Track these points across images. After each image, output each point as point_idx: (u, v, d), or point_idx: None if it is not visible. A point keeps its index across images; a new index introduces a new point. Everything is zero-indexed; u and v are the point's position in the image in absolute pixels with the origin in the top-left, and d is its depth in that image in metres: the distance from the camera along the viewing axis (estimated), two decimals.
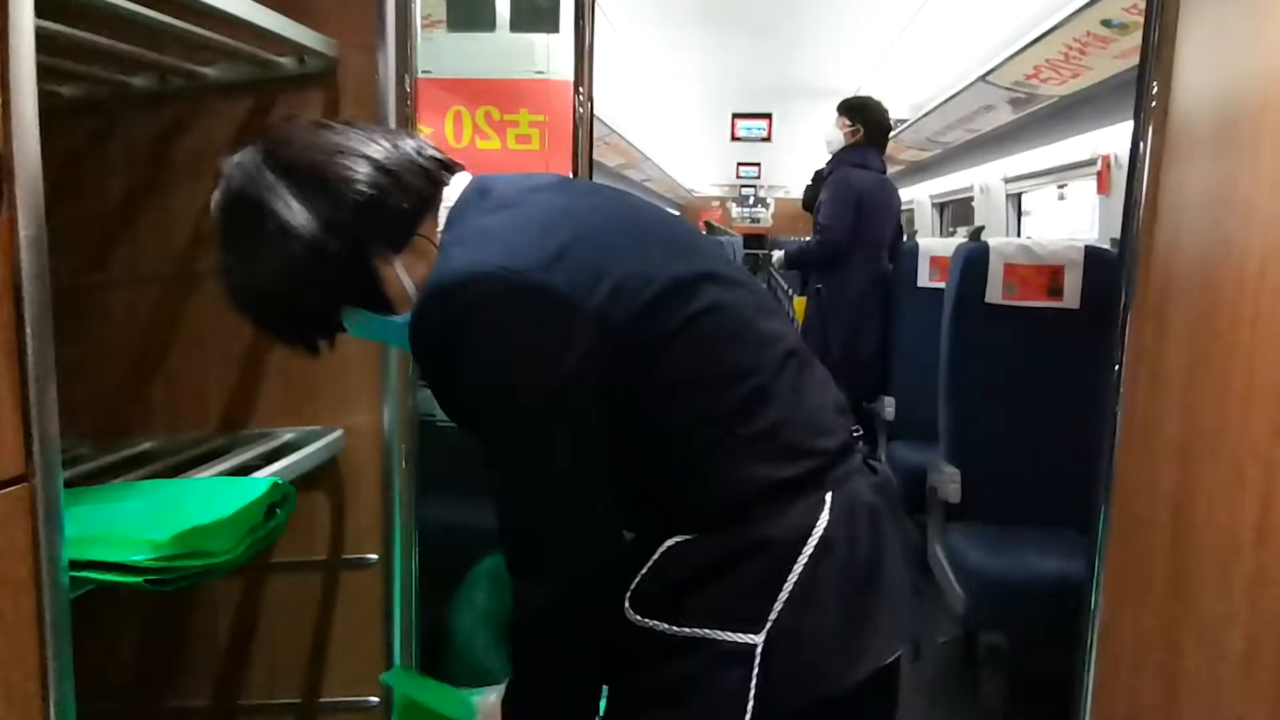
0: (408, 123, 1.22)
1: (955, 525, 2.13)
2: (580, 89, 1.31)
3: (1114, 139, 3.26)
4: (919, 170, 6.09)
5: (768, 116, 6.99)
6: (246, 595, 1.36)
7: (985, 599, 1.92)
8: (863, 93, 5.17)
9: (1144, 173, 1.24)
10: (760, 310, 0.88)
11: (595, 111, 1.43)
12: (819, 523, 0.81)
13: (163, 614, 1.37)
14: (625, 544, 0.86)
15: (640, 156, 6.99)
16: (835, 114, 3.27)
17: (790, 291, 7.04)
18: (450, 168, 0.89)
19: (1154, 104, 1.23)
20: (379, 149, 0.83)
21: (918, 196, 6.78)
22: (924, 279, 3.02)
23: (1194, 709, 1.08)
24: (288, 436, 1.28)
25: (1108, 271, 2.18)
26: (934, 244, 3.08)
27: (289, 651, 1.37)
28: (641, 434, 0.82)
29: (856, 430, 0.92)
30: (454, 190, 0.86)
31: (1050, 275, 2.16)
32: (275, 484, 0.84)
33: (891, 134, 5.26)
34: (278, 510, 0.83)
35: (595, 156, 5.86)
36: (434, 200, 0.85)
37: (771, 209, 17.38)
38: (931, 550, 2.22)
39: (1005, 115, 3.56)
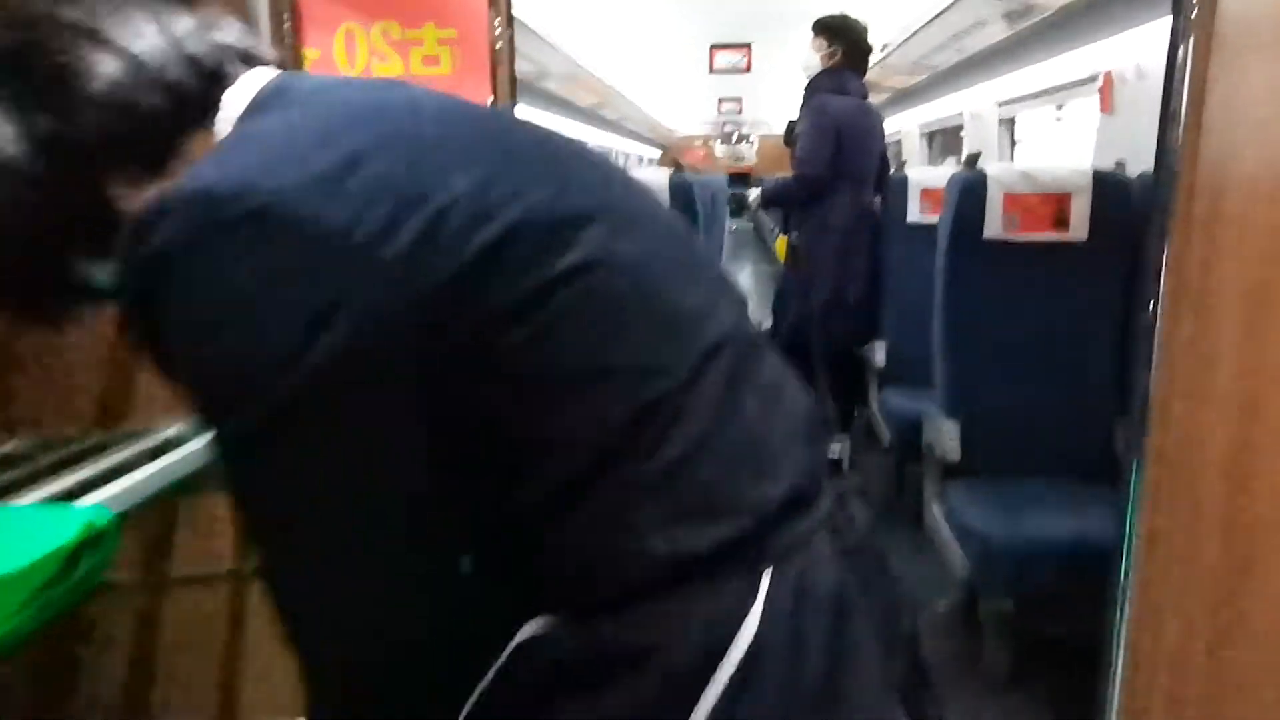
0: (285, 46, 1.00)
1: (954, 482, 1.96)
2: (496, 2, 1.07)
3: (1117, 53, 3.02)
4: (907, 97, 5.81)
5: (746, 47, 6.67)
6: (146, 616, 1.18)
7: (989, 561, 1.76)
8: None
9: (1184, 81, 1.03)
10: (681, 274, 0.59)
11: (524, 23, 1.20)
12: (747, 621, 0.51)
13: (54, 647, 1.19)
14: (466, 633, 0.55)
15: (613, 93, 6.67)
16: (810, 35, 3.01)
17: (775, 230, 6.80)
18: (249, 59, 0.60)
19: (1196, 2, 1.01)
20: (132, 32, 0.55)
21: (905, 126, 6.51)
22: (914, 214, 2.80)
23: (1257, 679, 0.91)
24: (170, 432, 1.08)
25: (1119, 198, 1.98)
26: (924, 175, 2.86)
27: (200, 674, 1.21)
28: (482, 455, 0.53)
29: (833, 453, 0.62)
30: (243, 91, 0.58)
31: (1056, 205, 1.96)
32: (89, 524, 0.65)
33: (877, 58, 5.00)
34: (83, 557, 0.63)
35: (564, 94, 5.51)
36: (210, 104, 0.57)
37: (756, 146, 16.97)
38: (928, 510, 2.06)
39: (999, 31, 3.30)
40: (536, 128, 0.63)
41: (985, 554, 1.76)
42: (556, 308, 0.52)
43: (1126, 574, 1.17)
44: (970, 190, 1.98)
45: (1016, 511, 1.81)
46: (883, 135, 3.11)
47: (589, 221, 0.54)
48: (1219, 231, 0.98)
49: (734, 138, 16.70)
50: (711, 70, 6.77)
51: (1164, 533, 1.12)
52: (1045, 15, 2.99)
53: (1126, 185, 1.99)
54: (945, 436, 1.95)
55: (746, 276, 8.60)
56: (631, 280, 0.55)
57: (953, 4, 3.12)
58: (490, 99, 1.11)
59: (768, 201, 3.14)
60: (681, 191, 2.84)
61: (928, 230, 2.73)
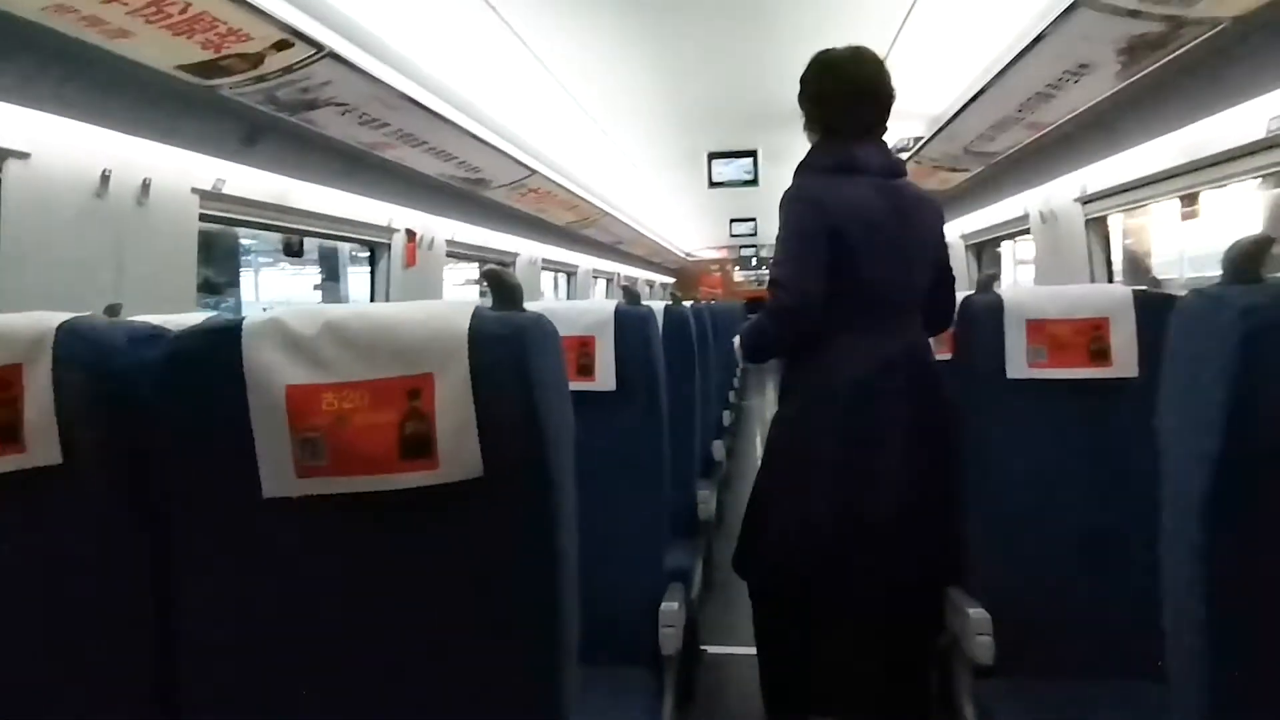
0: None
1: None
2: None
3: None
4: (946, 203, 4.73)
5: (752, 154, 5.70)
6: None
7: None
8: None
9: None
10: None
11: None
12: None
13: None
14: None
15: (599, 213, 5.70)
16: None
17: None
18: None
19: None
20: None
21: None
22: (1018, 365, 1.58)
23: None
24: None
25: None
26: (1038, 298, 1.65)
27: None
28: None
29: None
30: None
31: None
32: None
33: (915, 149, 3.94)
34: None
35: (527, 209, 4.37)
36: None
37: None
38: None
39: (1104, 84, 2.20)
40: None
41: None
42: None
43: None
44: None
45: None
46: (937, 234, 1.85)
47: None
48: None
49: (753, 260, 15.89)
50: (711, 183, 5.77)
51: None
52: (1191, 45, 1.87)
53: None
54: None
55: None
56: None
57: (1043, 34, 2.01)
58: None
59: (748, 353, 1.89)
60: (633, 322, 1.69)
61: (1044, 391, 1.54)
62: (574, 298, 7.47)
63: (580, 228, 5.87)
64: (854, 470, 1.64)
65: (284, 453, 0.79)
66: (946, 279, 1.85)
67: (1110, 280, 3.18)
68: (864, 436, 1.65)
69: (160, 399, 0.82)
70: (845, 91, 1.76)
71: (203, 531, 0.82)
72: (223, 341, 0.81)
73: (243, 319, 0.81)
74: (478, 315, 0.80)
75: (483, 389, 0.78)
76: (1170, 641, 0.80)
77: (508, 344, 0.80)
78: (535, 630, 0.84)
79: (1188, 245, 3.78)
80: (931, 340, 2.21)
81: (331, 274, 7.17)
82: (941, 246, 1.84)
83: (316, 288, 7.38)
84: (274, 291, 7.97)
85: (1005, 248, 5.41)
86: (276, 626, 0.83)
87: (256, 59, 1.85)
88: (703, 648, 2.36)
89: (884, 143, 1.79)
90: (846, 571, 1.65)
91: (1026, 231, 4.00)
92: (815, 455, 1.67)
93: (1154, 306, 1.51)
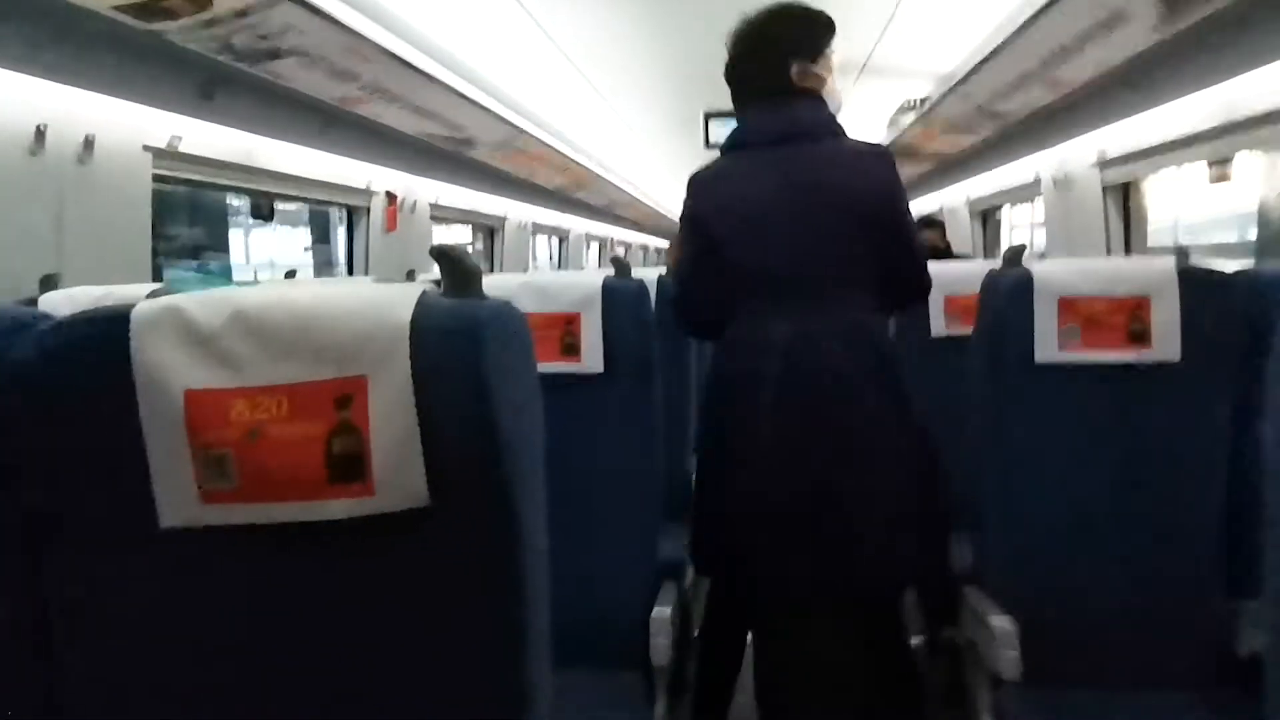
0: None
1: None
2: None
3: None
4: (953, 167, 4.54)
5: None
6: None
7: None
8: (873, 66, 3.66)
9: None
10: None
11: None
12: None
13: None
14: None
15: (592, 176, 5.50)
16: None
17: None
18: None
19: None
20: None
21: (950, 202, 5.24)
22: (1049, 347, 1.42)
23: None
24: None
25: None
26: (1070, 273, 1.46)
27: None
28: None
29: None
30: None
31: None
32: None
33: (923, 109, 3.75)
34: None
35: (516, 171, 4.16)
36: None
37: None
38: None
39: (1138, 37, 2.02)
40: None
41: None
42: None
43: None
44: None
45: None
46: (869, 194, 1.49)
47: None
48: None
49: None
50: (708, 144, 5.57)
51: None
52: None
53: None
54: None
55: None
56: None
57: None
58: None
59: None
60: (623, 297, 1.55)
61: (1072, 377, 1.39)
62: (565, 261, 7.27)
63: (572, 191, 5.66)
64: (736, 459, 1.51)
65: (184, 473, 0.64)
66: (901, 242, 1.54)
67: (1128, 254, 3.02)
68: (740, 426, 1.50)
69: (34, 403, 0.66)
70: (735, 58, 1.59)
71: (88, 569, 0.67)
72: (109, 333, 0.65)
73: (132, 306, 0.66)
74: (424, 304, 0.64)
75: (429, 396, 0.63)
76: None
77: (460, 339, 0.64)
78: (497, 672, 0.71)
79: (1182, 213, 3.58)
80: (944, 314, 2.05)
81: (323, 236, 6.99)
82: (882, 206, 1.51)
83: (307, 249, 7.22)
84: (264, 254, 7.78)
85: (1002, 215, 5.22)
86: (183, 680, 0.69)
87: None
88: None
89: (780, 102, 1.53)
90: (759, 563, 1.52)
91: (1035, 198, 3.83)
92: (711, 446, 1.60)
93: (1198, 284, 1.37)
